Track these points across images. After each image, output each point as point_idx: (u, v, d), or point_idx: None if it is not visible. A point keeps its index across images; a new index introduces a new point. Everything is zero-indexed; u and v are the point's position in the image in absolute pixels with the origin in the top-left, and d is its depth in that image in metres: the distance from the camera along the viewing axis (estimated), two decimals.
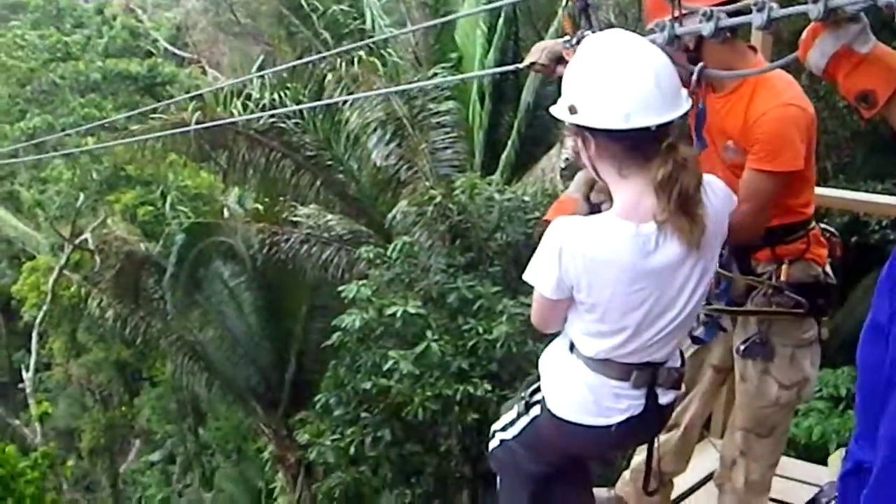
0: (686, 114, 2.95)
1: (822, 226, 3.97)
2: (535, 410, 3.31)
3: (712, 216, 2.84)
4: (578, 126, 2.86)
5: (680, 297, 2.91)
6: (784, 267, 3.76)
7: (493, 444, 3.52)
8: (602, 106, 2.76)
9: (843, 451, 3.65)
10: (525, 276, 3.01)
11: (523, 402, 3.37)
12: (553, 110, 2.94)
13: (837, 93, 2.69)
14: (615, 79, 2.75)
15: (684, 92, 2.84)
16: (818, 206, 4.02)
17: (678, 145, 2.75)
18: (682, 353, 3.24)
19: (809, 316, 3.83)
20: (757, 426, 4.04)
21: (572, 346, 3.10)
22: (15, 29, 28.74)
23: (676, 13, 2.98)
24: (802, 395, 4.00)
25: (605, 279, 2.83)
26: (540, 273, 2.94)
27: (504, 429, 3.44)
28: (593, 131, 2.82)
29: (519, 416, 3.38)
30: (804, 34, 2.51)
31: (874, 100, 2.44)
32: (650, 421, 3.18)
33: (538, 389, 3.30)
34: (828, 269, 3.88)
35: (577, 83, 2.84)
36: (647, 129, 2.71)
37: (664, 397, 3.13)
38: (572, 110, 2.83)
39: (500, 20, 15.71)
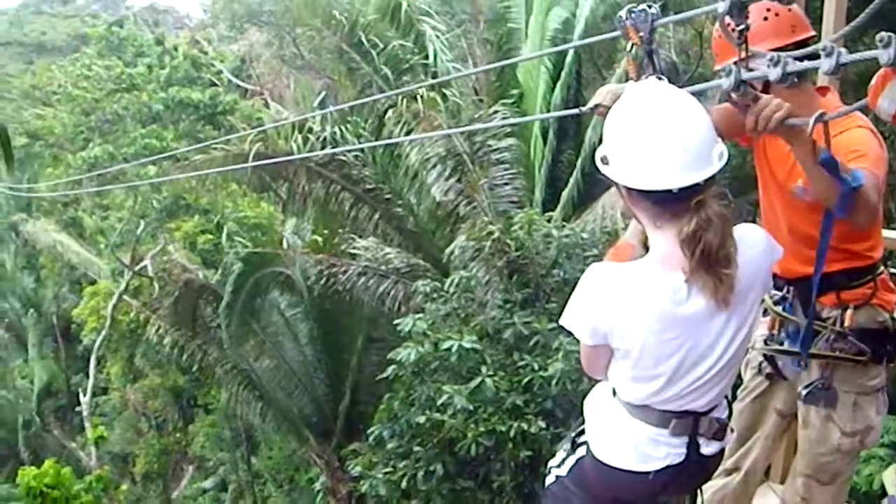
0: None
1: (893, 270, 3.90)
2: (581, 451, 3.32)
3: (746, 271, 2.80)
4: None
5: (715, 348, 2.88)
6: (849, 312, 3.69)
7: (549, 479, 3.52)
8: (628, 164, 2.78)
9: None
10: (561, 322, 3.03)
11: (570, 441, 3.40)
12: (597, 154, 2.95)
13: None
14: (642, 139, 2.75)
15: (717, 150, 2.78)
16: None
17: (707, 202, 2.72)
18: (729, 404, 3.21)
19: (875, 363, 3.76)
20: (818, 473, 3.97)
21: (615, 391, 3.11)
22: (83, 59, 29.33)
23: (742, 56, 2.98)
24: (865, 443, 3.91)
25: (637, 326, 2.83)
26: (575, 319, 2.97)
27: (559, 466, 3.45)
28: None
29: (567, 454, 3.40)
30: (874, 80, 2.50)
31: None
32: (691, 471, 3.14)
33: (585, 430, 3.32)
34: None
35: (612, 135, 2.86)
36: (670, 190, 2.71)
37: (707, 448, 3.10)
38: (604, 161, 2.86)
39: (568, 58, 15.69)
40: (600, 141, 2.92)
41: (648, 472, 3.07)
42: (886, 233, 4.21)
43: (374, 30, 16.68)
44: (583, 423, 3.34)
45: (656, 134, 2.73)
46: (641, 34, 3.44)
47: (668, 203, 2.75)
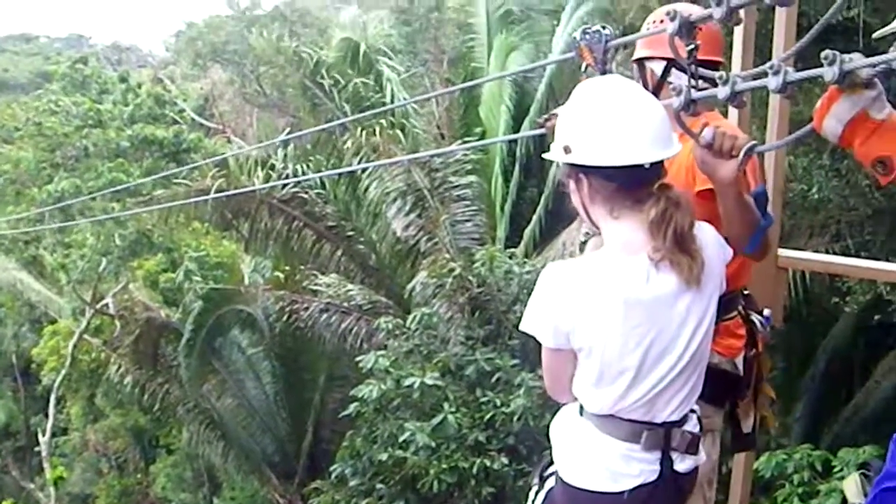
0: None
1: (756, 317, 3.77)
2: (550, 483, 3.22)
3: (706, 256, 2.80)
4: (572, 166, 2.85)
5: (680, 338, 2.82)
6: None
7: None
8: (595, 143, 2.75)
9: (856, 475, 3.60)
10: (522, 327, 2.93)
11: (538, 476, 3.30)
12: (547, 155, 2.94)
13: (860, 170, 2.69)
14: (608, 117, 2.76)
15: (675, 135, 2.83)
16: (842, 278, 3.91)
17: (671, 185, 2.75)
18: (699, 420, 3.10)
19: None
20: None
21: (581, 410, 3.02)
22: (50, 94, 29.22)
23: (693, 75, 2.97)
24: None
25: (598, 317, 2.77)
26: (535, 321, 2.88)
27: None
28: (586, 171, 2.81)
29: (536, 492, 3.29)
30: (819, 102, 2.51)
31: (890, 165, 2.44)
32: (667, 488, 3.00)
33: (552, 463, 3.21)
34: (738, 360, 3.66)
35: (572, 124, 2.84)
36: (640, 166, 2.71)
37: (681, 463, 2.99)
38: (566, 150, 2.83)
39: (538, 95, 15.75)
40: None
41: (622, 492, 2.94)
42: (842, 260, 4.17)
43: (335, 68, 16.80)
44: (548, 457, 3.23)
45: (624, 111, 2.75)
46: (595, 55, 3.46)
47: (633, 185, 2.74)
